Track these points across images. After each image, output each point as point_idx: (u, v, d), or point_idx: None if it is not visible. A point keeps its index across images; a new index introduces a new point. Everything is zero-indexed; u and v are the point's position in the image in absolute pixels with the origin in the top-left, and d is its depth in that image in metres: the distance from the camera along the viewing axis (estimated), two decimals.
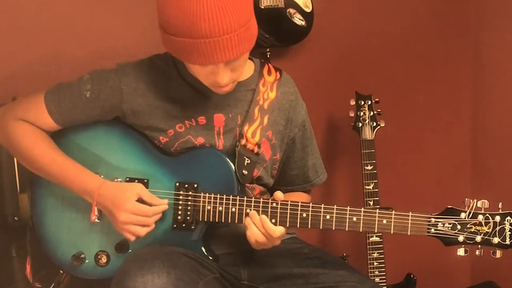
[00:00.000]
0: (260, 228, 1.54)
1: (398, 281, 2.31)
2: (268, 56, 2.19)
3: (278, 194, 1.56)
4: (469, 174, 2.59)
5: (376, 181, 2.17)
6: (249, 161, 1.62)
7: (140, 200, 1.57)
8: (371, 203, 2.16)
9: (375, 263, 2.17)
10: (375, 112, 2.21)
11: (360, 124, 2.20)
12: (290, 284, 1.61)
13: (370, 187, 2.17)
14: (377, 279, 2.16)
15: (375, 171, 2.18)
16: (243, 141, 1.63)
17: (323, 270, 1.61)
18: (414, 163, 2.54)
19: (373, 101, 2.21)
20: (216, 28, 1.38)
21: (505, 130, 2.39)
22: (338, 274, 1.58)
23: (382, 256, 2.17)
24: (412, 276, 2.29)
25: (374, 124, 2.20)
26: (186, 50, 1.42)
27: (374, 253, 2.17)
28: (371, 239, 2.17)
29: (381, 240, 2.17)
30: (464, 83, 2.54)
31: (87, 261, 1.65)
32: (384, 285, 2.17)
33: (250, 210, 1.56)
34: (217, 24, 1.37)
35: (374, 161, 2.18)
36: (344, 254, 2.31)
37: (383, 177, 2.21)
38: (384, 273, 2.17)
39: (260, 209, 1.55)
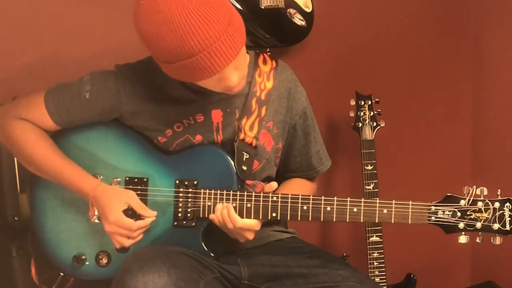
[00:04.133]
0: (225, 217, 1.55)
1: (398, 281, 2.31)
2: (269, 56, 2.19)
3: (272, 185, 1.58)
4: (469, 174, 2.59)
5: (376, 181, 2.17)
6: (247, 156, 1.63)
7: (130, 209, 1.57)
8: None
9: (375, 263, 2.17)
10: (375, 112, 2.21)
11: (360, 124, 2.20)
12: (290, 284, 1.61)
13: (370, 187, 2.17)
14: (377, 279, 2.16)
15: (375, 171, 2.18)
16: (242, 135, 1.63)
17: (323, 269, 1.61)
18: (414, 163, 2.54)
19: (373, 101, 2.21)
20: (205, 40, 1.37)
21: (506, 132, 2.38)
22: (338, 274, 1.59)
23: (382, 256, 2.17)
24: (412, 276, 2.28)
25: (374, 124, 2.20)
26: (188, 71, 1.43)
27: (374, 253, 2.17)
28: (371, 239, 2.17)
29: (381, 240, 2.17)
30: (464, 83, 2.54)
31: (87, 262, 1.66)
32: (384, 285, 2.17)
33: (251, 204, 1.56)
34: (204, 35, 1.37)
35: (374, 161, 2.18)
36: (344, 254, 2.31)
37: (383, 177, 2.21)
38: (384, 273, 2.17)
39: (261, 203, 1.56)
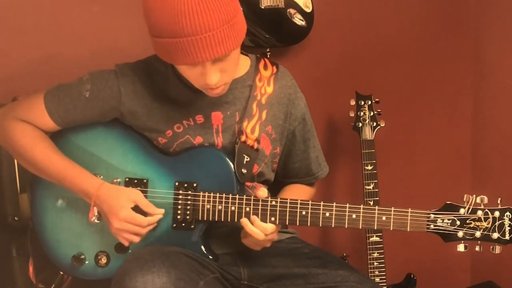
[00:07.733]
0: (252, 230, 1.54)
1: (398, 281, 2.31)
2: (268, 56, 2.19)
3: (260, 192, 1.56)
4: (469, 174, 2.59)
5: (376, 181, 2.17)
6: (248, 159, 1.62)
7: (136, 207, 1.57)
8: (371, 203, 2.16)
9: (375, 263, 2.17)
10: (375, 112, 2.21)
11: (360, 124, 2.20)
12: (290, 284, 1.61)
13: (370, 187, 2.17)
14: (377, 279, 2.16)
15: (375, 171, 2.18)
16: (243, 138, 1.63)
17: (323, 270, 1.61)
18: (414, 163, 2.54)
19: (373, 101, 2.22)
20: (198, 25, 1.37)
21: (505, 132, 2.38)
22: (338, 274, 1.59)
23: (382, 256, 2.17)
24: (412, 276, 2.29)
25: (374, 124, 2.20)
26: (171, 51, 1.42)
27: (374, 253, 2.17)
28: (371, 239, 2.17)
29: (381, 240, 2.17)
30: (464, 83, 2.54)
31: (87, 261, 1.65)
32: (384, 285, 2.17)
33: (250, 208, 1.56)
34: (199, 21, 1.37)
35: (374, 161, 2.18)
36: (344, 254, 2.31)
37: (383, 177, 2.21)
38: (384, 273, 2.17)
39: (260, 207, 1.56)
